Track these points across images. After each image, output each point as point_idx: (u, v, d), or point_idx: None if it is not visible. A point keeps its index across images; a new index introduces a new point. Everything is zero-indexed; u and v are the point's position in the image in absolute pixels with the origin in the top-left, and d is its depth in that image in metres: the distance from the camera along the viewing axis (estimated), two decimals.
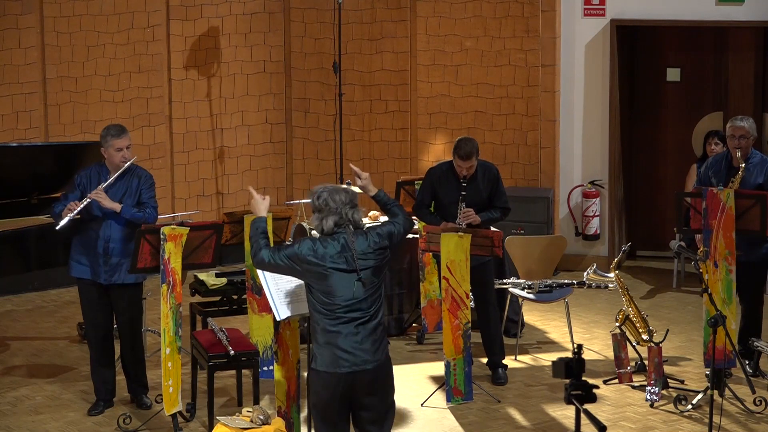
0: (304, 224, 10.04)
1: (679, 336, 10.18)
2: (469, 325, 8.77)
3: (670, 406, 8.67)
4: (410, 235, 10.04)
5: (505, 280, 9.79)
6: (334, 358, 6.48)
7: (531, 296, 9.78)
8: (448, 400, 8.80)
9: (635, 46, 12.36)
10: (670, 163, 12.42)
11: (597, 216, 12.04)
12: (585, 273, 9.61)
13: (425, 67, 12.34)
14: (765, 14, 11.57)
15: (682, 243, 8.81)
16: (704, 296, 8.35)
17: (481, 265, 9.10)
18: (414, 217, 10.06)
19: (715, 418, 7.83)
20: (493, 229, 9.34)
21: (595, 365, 9.50)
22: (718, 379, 8.49)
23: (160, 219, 9.22)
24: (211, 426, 8.12)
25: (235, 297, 9.45)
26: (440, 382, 9.01)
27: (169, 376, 8.05)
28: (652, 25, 12.02)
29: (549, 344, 10.15)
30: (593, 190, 12.04)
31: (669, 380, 8.96)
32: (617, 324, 9.21)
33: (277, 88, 12.83)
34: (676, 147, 12.40)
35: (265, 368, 8.51)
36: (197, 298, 9.71)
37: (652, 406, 8.71)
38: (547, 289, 9.77)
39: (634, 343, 9.24)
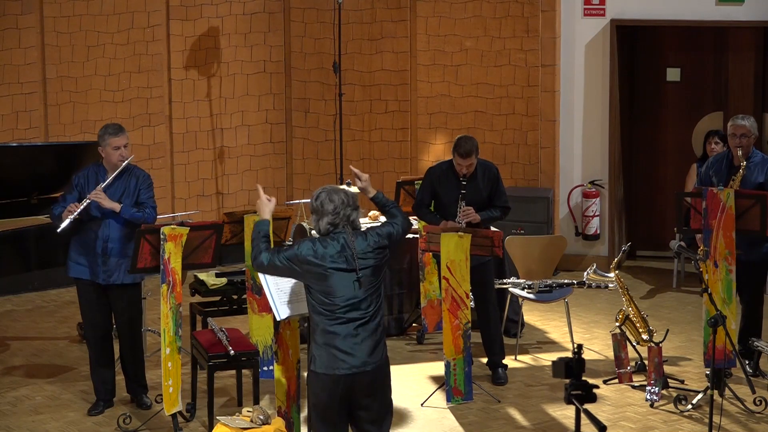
0: (304, 224, 10.04)
1: (679, 336, 10.18)
2: (469, 325, 8.77)
3: (670, 406, 8.67)
4: (410, 235, 10.09)
5: (505, 280, 9.79)
6: (332, 359, 6.48)
7: (531, 296, 9.78)
8: (448, 400, 8.80)
9: (635, 46, 12.36)
10: (670, 163, 12.42)
11: (597, 216, 12.04)
12: (585, 273, 9.61)
13: (425, 67, 12.34)
14: (765, 14, 11.58)
15: (682, 243, 8.81)
16: (704, 296, 8.35)
17: (481, 265, 9.10)
18: (414, 217, 10.09)
19: (715, 418, 7.83)
20: (493, 229, 9.34)
21: (595, 365, 9.50)
22: (718, 379, 8.49)
23: (160, 219, 9.22)
24: (211, 426, 8.12)
25: (235, 297, 9.45)
26: (440, 382, 9.01)
27: (169, 376, 8.05)
28: (652, 25, 12.02)
29: (549, 344, 10.15)
30: (593, 190, 12.04)
31: (669, 380, 8.96)
32: (617, 324, 9.21)
33: (277, 88, 12.83)
34: (676, 147, 12.40)
35: (265, 368, 8.52)
36: (197, 298, 9.71)
37: (652, 406, 8.71)
38: (547, 289, 9.77)
39: (634, 343, 9.24)
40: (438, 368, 9.23)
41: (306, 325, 7.28)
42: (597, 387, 5.51)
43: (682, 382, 9.08)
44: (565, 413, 8.60)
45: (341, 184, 11.08)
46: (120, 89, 12.01)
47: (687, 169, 11.66)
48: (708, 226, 8.64)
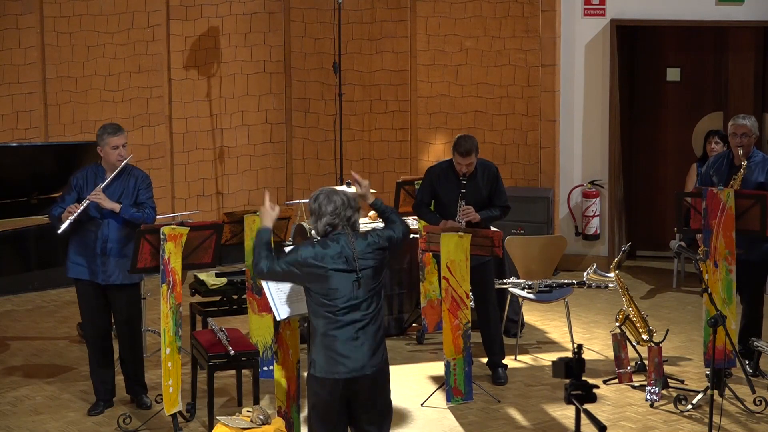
0: (304, 224, 10.04)
1: (679, 336, 10.18)
2: (469, 325, 8.76)
3: (670, 406, 8.67)
4: (410, 235, 10.10)
5: (505, 280, 9.79)
6: (332, 363, 6.47)
7: (531, 296, 9.78)
8: (448, 400, 8.80)
9: (635, 46, 12.36)
10: (670, 163, 12.42)
11: (597, 216, 12.04)
12: (585, 273, 9.61)
13: (425, 67, 12.34)
14: (765, 14, 11.57)
15: (682, 243, 8.81)
16: (704, 296, 8.35)
17: (481, 265, 9.10)
18: (414, 217, 10.09)
19: (715, 418, 7.83)
20: (493, 229, 9.34)
21: (595, 365, 9.50)
22: (718, 379, 8.49)
23: (160, 219, 9.22)
24: (211, 426, 8.12)
25: (235, 297, 9.45)
26: (440, 382, 9.01)
27: (169, 376, 8.05)
28: (652, 25, 12.02)
29: (549, 344, 10.15)
30: (593, 190, 12.04)
31: (669, 380, 8.96)
32: (617, 324, 9.21)
33: (277, 88, 12.83)
34: (676, 147, 12.40)
35: (265, 368, 8.52)
36: (197, 298, 9.70)
37: (652, 406, 8.71)
38: (547, 289, 9.77)
39: (634, 343, 9.24)
40: (438, 368, 9.23)
41: (306, 325, 7.28)
42: (597, 387, 5.51)
43: (682, 382, 9.08)
44: (565, 413, 8.60)
45: (341, 184, 11.08)
46: (120, 89, 12.01)
47: (687, 169, 11.66)
48: (708, 226, 8.64)
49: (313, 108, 12.77)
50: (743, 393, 8.77)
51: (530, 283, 9.79)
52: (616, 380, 9.09)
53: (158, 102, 12.24)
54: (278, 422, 7.66)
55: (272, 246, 6.70)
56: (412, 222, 10.30)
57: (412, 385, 9.17)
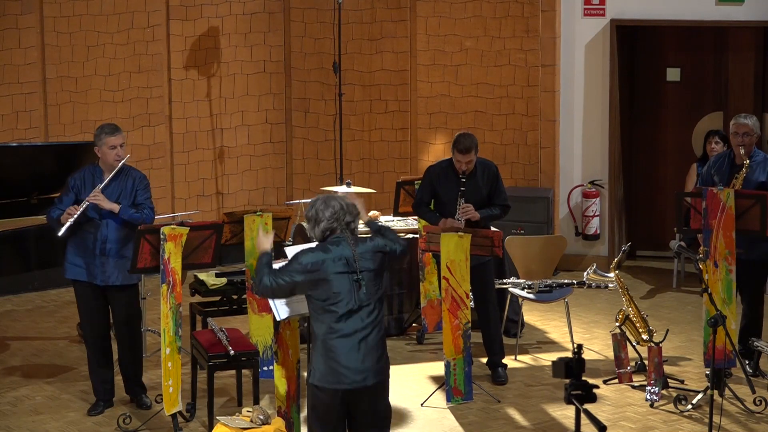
0: (304, 224, 10.02)
1: (679, 336, 10.18)
2: (469, 325, 8.76)
3: (670, 406, 8.67)
4: (410, 235, 10.10)
5: (505, 280, 9.79)
6: (333, 373, 6.45)
7: (531, 296, 9.78)
8: (448, 400, 8.80)
9: (635, 46, 12.36)
10: (670, 163, 12.42)
11: (597, 216, 12.04)
12: (585, 273, 9.61)
13: (425, 67, 12.34)
14: (765, 14, 11.57)
15: (682, 243, 8.81)
16: (704, 296, 8.35)
17: (481, 265, 9.10)
18: (414, 217, 10.10)
19: (715, 418, 7.83)
20: (493, 229, 9.34)
21: (595, 365, 9.50)
22: (718, 379, 8.49)
23: (160, 219, 9.22)
24: (211, 426, 8.12)
25: (235, 297, 9.45)
26: (440, 382, 9.01)
27: (169, 376, 8.05)
28: (652, 25, 12.02)
29: (549, 344, 10.15)
30: (593, 190, 12.04)
31: (669, 380, 8.96)
32: (617, 324, 9.21)
33: (277, 88, 12.82)
34: (676, 147, 12.40)
35: (265, 368, 8.52)
36: (197, 298, 9.70)
37: (652, 406, 8.71)
38: (547, 289, 9.77)
39: (634, 343, 9.24)
40: (438, 368, 9.23)
41: (306, 325, 7.28)
42: (597, 387, 5.51)
43: (682, 382, 9.08)
44: (565, 413, 8.59)
45: (341, 183, 11.08)
46: (120, 89, 12.01)
47: (687, 169, 11.66)
48: (708, 226, 8.64)
49: (313, 108, 12.77)
50: (743, 393, 8.77)
51: (530, 283, 9.79)
52: (616, 380, 9.09)
53: (158, 102, 12.24)
54: (278, 422, 7.66)
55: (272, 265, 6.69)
56: (413, 222, 10.31)
57: (412, 385, 9.17)
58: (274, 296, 6.78)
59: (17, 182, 9.87)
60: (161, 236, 8.00)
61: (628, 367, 9.08)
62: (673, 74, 12.33)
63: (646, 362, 9.00)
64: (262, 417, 7.58)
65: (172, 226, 8.08)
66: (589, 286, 9.67)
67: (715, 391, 7.94)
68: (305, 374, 7.26)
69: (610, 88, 11.99)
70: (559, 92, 12.02)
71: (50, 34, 11.63)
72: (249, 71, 12.64)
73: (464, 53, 12.19)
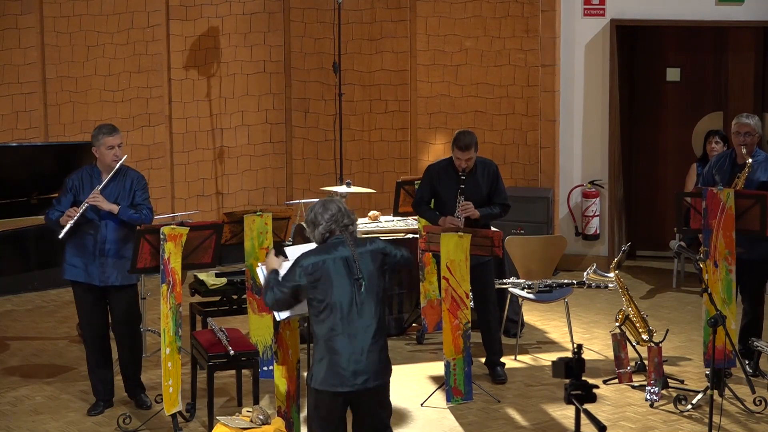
0: (304, 224, 10.02)
1: (679, 336, 10.18)
2: (469, 325, 8.76)
3: (670, 406, 8.67)
4: (410, 235, 10.11)
5: (505, 280, 9.79)
6: (333, 375, 6.46)
7: (531, 296, 9.78)
8: (448, 400, 8.80)
9: (635, 46, 12.36)
10: (670, 163, 12.42)
11: (597, 216, 12.04)
12: (585, 273, 9.61)
13: (425, 67, 12.34)
14: (765, 14, 11.57)
15: (682, 243, 8.81)
16: (704, 296, 8.35)
17: (481, 265, 9.10)
18: (414, 217, 10.09)
19: (715, 418, 7.82)
20: (493, 229, 9.34)
21: (595, 365, 9.50)
22: (718, 379, 8.49)
23: (159, 219, 9.21)
24: (210, 426, 8.12)
25: (234, 297, 9.45)
26: (440, 382, 9.01)
27: (169, 376, 8.05)
28: (652, 25, 12.02)
29: (549, 344, 10.15)
30: (593, 190, 12.04)
31: (669, 380, 8.95)
32: (617, 324, 9.21)
33: (277, 88, 12.82)
34: (676, 147, 12.40)
35: (265, 368, 8.52)
36: (197, 298, 9.70)
37: (652, 406, 8.71)
38: (547, 289, 9.77)
39: (634, 343, 9.24)
40: (438, 368, 9.23)
41: (306, 325, 7.28)
42: (597, 387, 5.51)
43: (682, 382, 9.08)
44: (565, 413, 8.59)
45: (341, 183, 11.08)
46: (120, 89, 12.01)
47: (687, 169, 11.66)
48: (708, 226, 8.64)
49: (313, 108, 12.76)
50: (743, 393, 8.77)
51: (530, 283, 9.79)
52: (616, 380, 9.09)
53: (158, 102, 12.24)
54: (278, 422, 7.66)
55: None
56: (412, 222, 10.31)
57: (412, 385, 9.17)
58: (283, 306, 6.74)
59: (17, 182, 9.87)
60: (161, 236, 8.00)
61: (628, 367, 9.08)
62: (673, 74, 12.33)
63: (646, 362, 9.00)
64: (262, 417, 7.58)
65: (172, 226, 8.08)
66: (589, 286, 9.67)
67: (715, 391, 7.94)
68: (305, 374, 7.26)
69: (610, 88, 11.99)
70: (559, 92, 12.02)
71: (50, 34, 11.63)
72: (249, 71, 12.64)
73: (464, 53, 12.19)
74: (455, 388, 8.76)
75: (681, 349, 9.91)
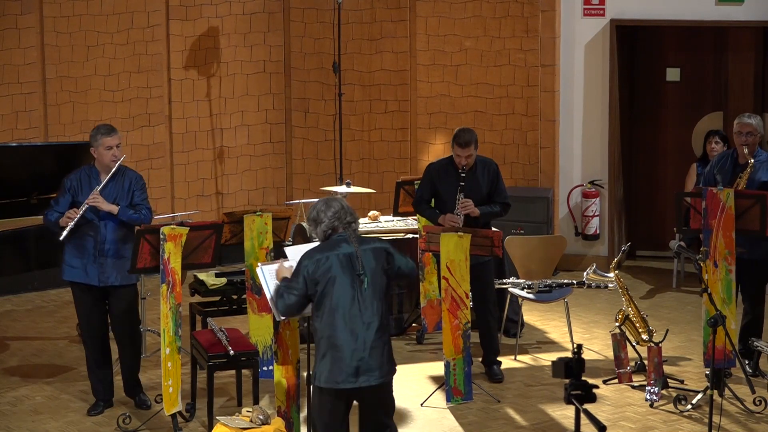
0: (304, 224, 10.04)
1: (678, 336, 10.18)
2: (469, 325, 8.76)
3: (670, 406, 8.67)
4: (410, 235, 10.11)
5: (504, 280, 9.79)
6: (338, 372, 6.48)
7: (531, 296, 9.77)
8: (448, 400, 8.80)
9: (635, 46, 12.36)
10: (670, 163, 12.42)
11: (597, 216, 12.04)
12: (585, 273, 9.61)
13: (425, 67, 12.34)
14: (765, 14, 11.57)
15: (682, 243, 8.81)
16: (704, 296, 8.35)
17: (481, 265, 9.10)
18: (414, 217, 10.09)
19: (715, 418, 7.82)
20: (493, 229, 9.34)
21: (595, 365, 9.50)
22: (718, 379, 8.49)
23: (159, 219, 9.21)
24: (210, 426, 8.12)
25: (234, 297, 9.45)
26: (440, 382, 9.01)
27: (169, 376, 8.04)
28: (652, 25, 12.02)
29: (549, 344, 10.15)
30: (593, 190, 12.04)
31: (669, 380, 8.95)
32: (617, 324, 9.21)
33: (277, 88, 12.82)
34: (676, 147, 12.40)
35: (265, 368, 8.51)
36: (197, 298, 9.70)
37: (651, 406, 8.71)
38: (547, 289, 9.77)
39: (634, 343, 9.24)
40: (438, 368, 9.23)
41: (306, 325, 7.28)
42: (597, 387, 5.51)
43: (682, 382, 9.08)
44: (564, 413, 8.59)
45: (341, 183, 11.08)
46: (120, 89, 12.01)
47: (687, 169, 11.66)
48: (708, 226, 8.64)
49: (313, 108, 12.76)
50: (743, 393, 8.77)
51: (530, 283, 9.79)
52: (616, 380, 9.09)
53: (158, 102, 12.24)
54: (278, 422, 7.66)
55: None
56: (412, 222, 10.31)
57: (412, 385, 9.17)
58: (296, 309, 6.72)
59: (17, 182, 9.86)
60: (161, 236, 8.00)
61: (628, 367, 9.08)
62: (673, 74, 12.33)
63: (645, 362, 9.00)
64: (261, 417, 7.58)
65: (172, 226, 8.08)
66: (589, 286, 9.67)
67: (715, 391, 7.94)
68: (305, 374, 7.27)
69: (609, 88, 11.99)
70: (559, 92, 12.02)
71: (50, 34, 11.62)
72: (249, 71, 12.64)
73: (464, 53, 12.19)
74: (455, 388, 8.76)
75: (681, 349, 9.91)
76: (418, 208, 9.42)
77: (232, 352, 8.21)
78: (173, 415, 8.16)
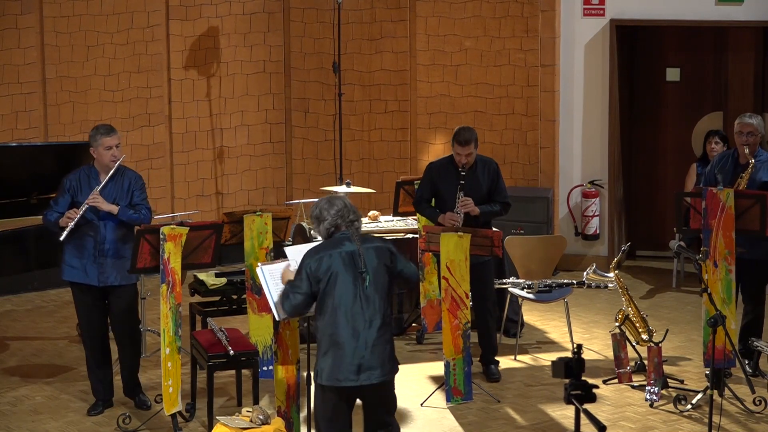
0: (304, 224, 10.04)
1: (678, 336, 10.18)
2: (469, 325, 8.76)
3: (670, 406, 8.67)
4: (410, 235, 10.11)
5: (504, 280, 9.79)
6: (340, 370, 6.49)
7: (531, 296, 9.78)
8: (448, 400, 8.80)
9: (635, 46, 12.36)
10: (670, 163, 12.42)
11: (596, 216, 12.04)
12: (585, 273, 9.61)
13: (425, 67, 12.34)
14: (765, 14, 11.57)
15: (682, 243, 8.80)
16: (704, 296, 8.35)
17: (481, 264, 9.10)
18: (414, 217, 10.09)
19: (715, 418, 7.83)
20: (493, 229, 9.34)
21: (595, 365, 9.50)
22: (718, 378, 8.49)
23: (159, 219, 9.20)
24: (210, 426, 8.12)
25: (234, 297, 9.45)
26: (440, 382, 9.01)
27: (169, 376, 8.04)
28: (652, 25, 12.02)
29: (549, 344, 10.15)
30: (593, 189, 12.04)
31: (669, 380, 8.95)
32: (617, 324, 9.21)
33: (277, 88, 12.82)
34: (676, 147, 12.40)
35: (265, 368, 8.51)
36: (197, 298, 9.70)
37: (651, 406, 8.71)
38: (547, 289, 9.77)
39: (634, 343, 9.24)
40: (438, 368, 9.23)
41: (306, 324, 7.29)
42: (596, 387, 5.51)
43: (682, 382, 9.08)
44: (564, 413, 8.59)
45: (341, 183, 11.08)
46: (119, 89, 12.01)
47: (687, 169, 11.66)
48: (708, 226, 8.64)
49: (313, 108, 12.77)
50: (743, 393, 8.77)
51: (530, 283, 9.79)
52: (616, 380, 9.09)
53: (158, 102, 12.24)
54: (278, 422, 7.66)
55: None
56: (412, 222, 10.31)
57: (412, 385, 9.17)
58: (303, 309, 6.72)
59: (17, 182, 9.86)
60: (161, 236, 8.00)
61: (628, 367, 9.08)
62: (672, 74, 12.33)
63: (645, 362, 9.00)
64: (261, 417, 7.58)
65: (172, 226, 8.08)
66: (589, 286, 9.67)
67: (715, 391, 7.94)
68: (305, 374, 7.28)
69: (609, 88, 11.99)
70: (559, 92, 12.02)
71: (50, 34, 11.62)
72: (249, 71, 12.64)
73: (464, 53, 12.19)
74: (455, 388, 8.76)
75: (681, 349, 9.91)
76: (418, 207, 9.42)
77: (232, 352, 8.21)
78: (173, 415, 8.16)
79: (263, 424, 7.57)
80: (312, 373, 6.91)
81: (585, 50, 12.03)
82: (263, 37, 12.68)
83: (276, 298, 7.14)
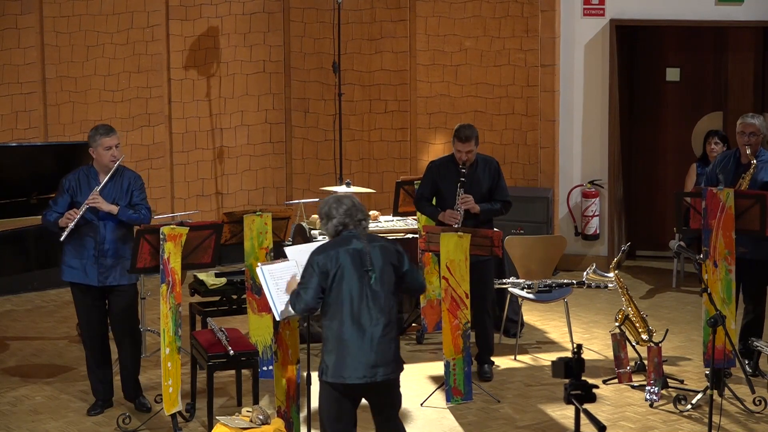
0: (304, 224, 10.04)
1: (678, 336, 10.18)
2: (469, 324, 8.77)
3: (670, 406, 8.67)
4: (410, 235, 10.11)
5: (504, 280, 9.79)
6: (345, 368, 6.51)
7: (531, 296, 9.78)
8: (448, 399, 8.80)
9: (635, 46, 12.36)
10: (669, 163, 12.42)
11: (596, 216, 12.04)
12: (584, 273, 9.61)
13: (425, 66, 12.34)
14: (765, 14, 11.57)
15: (682, 243, 8.81)
16: (704, 296, 8.35)
17: (480, 263, 9.10)
18: (414, 217, 10.10)
19: (715, 418, 7.82)
20: (494, 228, 9.35)
21: (595, 365, 9.50)
22: (718, 378, 8.49)
23: (159, 219, 9.20)
24: (210, 426, 8.12)
25: (234, 297, 9.45)
26: (440, 381, 9.01)
27: (169, 376, 8.04)
28: (652, 25, 12.02)
29: (549, 344, 10.15)
30: (593, 189, 12.04)
31: (669, 380, 8.95)
32: (617, 324, 9.21)
33: (277, 88, 12.82)
34: (676, 147, 12.40)
35: (265, 368, 8.52)
36: (197, 298, 9.70)
37: (651, 406, 8.71)
38: (547, 289, 9.77)
39: (634, 343, 9.24)
40: (438, 368, 9.23)
41: (305, 324, 7.29)
42: (596, 387, 5.52)
43: (682, 382, 9.08)
44: (564, 413, 8.59)
45: (341, 183, 11.08)
46: (119, 89, 12.01)
47: (687, 169, 11.66)
48: (707, 226, 8.64)
49: (313, 108, 12.77)
50: (743, 393, 8.77)
51: (530, 283, 9.79)
52: (616, 380, 9.09)
53: (158, 102, 12.24)
54: (278, 422, 7.66)
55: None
56: (412, 222, 10.31)
57: (412, 385, 9.17)
58: (312, 304, 6.70)
59: (17, 182, 9.86)
60: (161, 236, 8.00)
61: (628, 367, 9.08)
62: (672, 74, 12.33)
63: (645, 362, 9.00)
64: (261, 417, 7.58)
65: (172, 226, 8.08)
66: (589, 286, 9.67)
67: (715, 391, 7.94)
68: (305, 374, 7.28)
69: (609, 88, 11.99)
70: (559, 92, 12.02)
71: (50, 34, 11.62)
72: (248, 71, 12.64)
73: (464, 53, 12.19)
74: (455, 388, 8.76)
75: (681, 349, 9.91)
76: (419, 205, 9.43)
77: (232, 352, 8.21)
78: (173, 415, 8.16)
79: (263, 424, 7.57)
80: (314, 372, 6.91)
81: (585, 50, 12.03)
82: (263, 37, 12.68)
83: (277, 298, 7.14)
